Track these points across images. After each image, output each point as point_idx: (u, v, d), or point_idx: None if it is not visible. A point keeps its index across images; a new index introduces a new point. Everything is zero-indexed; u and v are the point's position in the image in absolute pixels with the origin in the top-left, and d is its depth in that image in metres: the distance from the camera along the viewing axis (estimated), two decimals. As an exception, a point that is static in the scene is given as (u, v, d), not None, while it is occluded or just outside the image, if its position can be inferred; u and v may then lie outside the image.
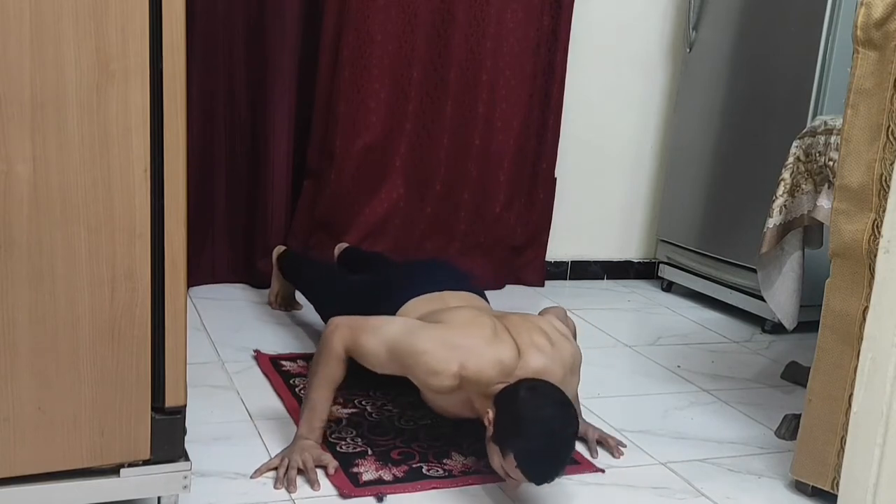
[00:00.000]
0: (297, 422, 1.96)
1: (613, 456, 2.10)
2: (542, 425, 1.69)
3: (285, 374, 2.38)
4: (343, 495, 1.80)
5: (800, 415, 2.01)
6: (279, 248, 2.96)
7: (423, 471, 1.92)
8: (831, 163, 2.19)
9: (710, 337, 3.13)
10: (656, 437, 2.24)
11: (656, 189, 3.81)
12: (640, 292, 3.66)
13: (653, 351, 2.91)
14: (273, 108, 3.07)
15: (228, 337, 2.65)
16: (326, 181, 3.17)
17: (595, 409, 2.34)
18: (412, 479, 1.88)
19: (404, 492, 1.84)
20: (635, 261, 3.87)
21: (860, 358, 1.66)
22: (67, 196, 1.39)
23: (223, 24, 2.99)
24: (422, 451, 2.01)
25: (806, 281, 2.50)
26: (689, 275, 3.57)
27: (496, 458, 1.75)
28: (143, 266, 1.46)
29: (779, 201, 2.40)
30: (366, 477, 1.88)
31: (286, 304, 2.94)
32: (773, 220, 2.41)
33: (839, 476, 1.75)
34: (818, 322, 1.92)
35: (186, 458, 1.60)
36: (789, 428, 2.28)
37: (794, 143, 2.37)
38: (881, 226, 1.73)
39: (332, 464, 1.87)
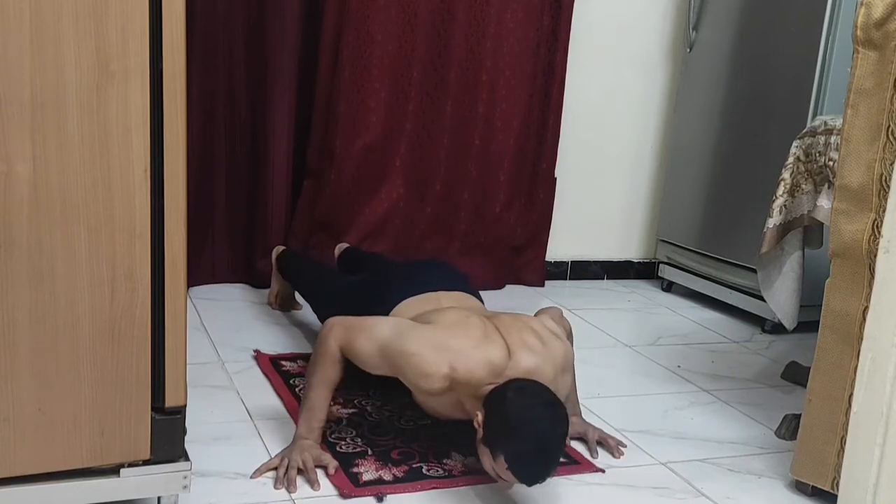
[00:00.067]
0: (297, 422, 1.96)
1: (613, 456, 2.10)
2: (531, 426, 1.67)
3: (285, 374, 2.38)
4: (343, 495, 1.80)
5: (800, 415, 2.01)
6: (278, 248, 2.96)
7: (423, 471, 1.92)
8: (831, 163, 2.19)
9: (710, 337, 3.13)
10: (656, 437, 2.25)
11: (656, 189, 3.81)
12: (640, 292, 3.66)
13: (653, 351, 2.91)
14: (273, 108, 3.07)
15: (228, 337, 2.65)
16: (326, 181, 3.17)
17: (595, 409, 2.34)
18: (412, 479, 1.88)
19: (404, 492, 1.84)
20: (635, 261, 3.87)
21: (860, 358, 1.66)
22: (67, 196, 1.39)
23: (223, 24, 2.99)
24: (422, 451, 2.01)
25: (806, 281, 2.50)
26: (689, 275, 3.57)
27: (487, 460, 1.74)
28: (143, 266, 1.46)
29: (779, 201, 2.40)
30: (366, 477, 1.88)
31: (286, 305, 2.94)
32: (773, 220, 2.41)
33: (839, 476, 1.75)
34: (818, 322, 1.92)
35: (186, 458, 1.60)
36: (789, 428, 2.28)
37: (794, 143, 2.37)
38: (881, 226, 1.73)
39: (332, 464, 1.87)
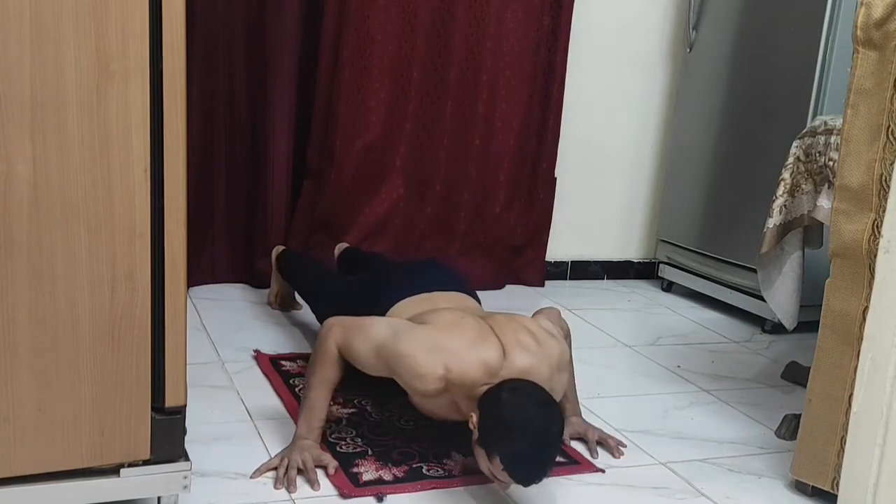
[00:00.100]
0: (296, 422, 1.96)
1: (613, 456, 2.10)
2: (526, 426, 1.67)
3: (285, 374, 2.38)
4: (343, 495, 1.80)
5: (800, 415, 2.01)
6: (278, 248, 2.96)
7: (423, 471, 1.92)
8: (831, 163, 2.19)
9: (710, 337, 3.13)
10: (656, 437, 2.24)
11: (656, 189, 3.81)
12: (640, 292, 3.66)
13: (653, 351, 2.91)
14: (273, 108, 3.07)
15: (228, 337, 2.65)
16: (326, 181, 3.17)
17: (595, 409, 2.34)
18: (412, 479, 1.88)
19: (404, 492, 1.84)
20: (635, 261, 3.87)
21: (860, 358, 1.66)
22: (67, 196, 1.39)
23: (223, 24, 2.99)
24: (422, 451, 2.01)
25: (806, 281, 2.50)
26: (689, 275, 3.57)
27: (483, 462, 1.74)
28: (143, 266, 1.46)
29: (779, 201, 2.40)
30: (366, 477, 1.88)
31: (286, 305, 2.94)
32: (773, 220, 2.41)
33: (839, 476, 1.75)
34: (818, 322, 1.92)
35: (186, 458, 1.60)
36: (789, 428, 2.28)
37: (794, 143, 2.37)
38: (881, 226, 1.73)
39: (332, 464, 1.87)
